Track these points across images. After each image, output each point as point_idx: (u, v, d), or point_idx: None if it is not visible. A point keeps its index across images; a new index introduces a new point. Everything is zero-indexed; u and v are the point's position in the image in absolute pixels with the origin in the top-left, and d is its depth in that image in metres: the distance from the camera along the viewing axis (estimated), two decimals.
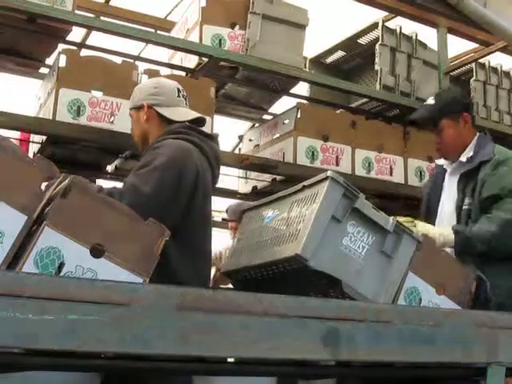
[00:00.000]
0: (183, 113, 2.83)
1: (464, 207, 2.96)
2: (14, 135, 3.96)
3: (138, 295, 1.35)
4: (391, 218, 2.28)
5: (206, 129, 2.88)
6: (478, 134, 3.16)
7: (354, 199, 2.18)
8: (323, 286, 2.15)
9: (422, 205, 3.30)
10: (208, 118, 3.75)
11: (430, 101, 3.23)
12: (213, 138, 2.86)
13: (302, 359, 1.60)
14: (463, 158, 3.07)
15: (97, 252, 1.79)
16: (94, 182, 2.70)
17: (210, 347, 1.40)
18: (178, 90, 2.89)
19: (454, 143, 3.10)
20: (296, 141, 4.09)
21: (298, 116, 4.17)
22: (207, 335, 1.38)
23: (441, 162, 3.28)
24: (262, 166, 4.07)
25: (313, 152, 4.11)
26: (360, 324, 1.60)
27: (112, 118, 3.50)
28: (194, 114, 2.87)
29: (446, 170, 3.23)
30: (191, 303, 1.38)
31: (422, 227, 2.85)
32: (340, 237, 2.15)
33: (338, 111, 4.83)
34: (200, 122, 2.85)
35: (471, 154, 3.06)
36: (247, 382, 2.49)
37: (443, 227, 2.94)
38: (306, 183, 2.27)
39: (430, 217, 3.16)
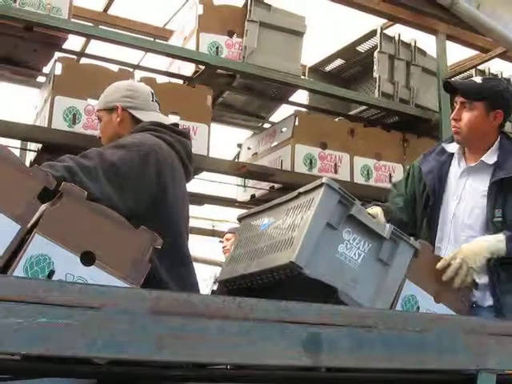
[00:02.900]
0: (156, 117, 2.75)
1: (495, 219, 2.73)
2: (13, 143, 3.95)
3: (110, 298, 1.32)
4: (388, 225, 2.25)
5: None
6: (499, 136, 2.91)
7: (350, 206, 2.15)
8: (319, 294, 2.12)
9: (414, 194, 3.01)
10: (205, 126, 3.75)
11: (478, 79, 3.01)
12: (183, 133, 2.75)
13: (281, 365, 1.57)
14: (489, 161, 2.84)
15: (87, 259, 1.77)
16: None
17: (185, 353, 1.37)
18: (152, 94, 2.82)
19: (472, 129, 2.86)
20: (294, 149, 4.07)
21: (296, 124, 4.15)
22: (182, 340, 1.35)
23: (450, 148, 3.00)
24: (259, 173, 4.05)
25: (311, 160, 4.09)
26: (342, 329, 1.57)
27: None
28: (168, 120, 2.81)
29: (451, 159, 2.97)
30: (166, 307, 1.35)
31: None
32: (335, 244, 2.13)
33: (336, 119, 4.81)
34: (174, 126, 2.77)
35: (495, 158, 2.84)
36: None
37: (479, 240, 2.64)
38: (301, 190, 2.25)
39: (431, 218, 2.93)
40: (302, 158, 4.07)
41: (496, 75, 4.99)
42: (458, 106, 2.90)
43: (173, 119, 2.84)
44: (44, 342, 1.23)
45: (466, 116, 2.86)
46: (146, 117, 2.71)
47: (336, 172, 4.17)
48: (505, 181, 2.76)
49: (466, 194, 2.86)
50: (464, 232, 2.81)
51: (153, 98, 2.81)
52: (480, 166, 2.87)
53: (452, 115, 2.93)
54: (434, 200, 2.93)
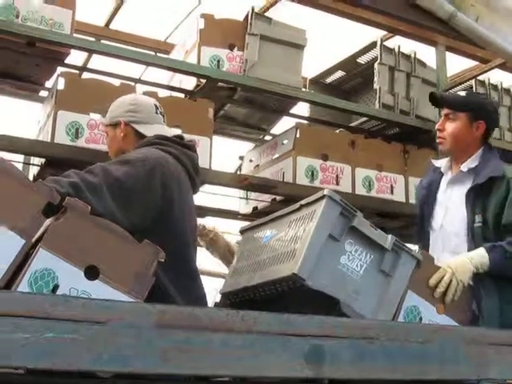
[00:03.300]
0: (160, 130, 2.77)
1: (475, 225, 2.84)
2: (16, 158, 3.97)
3: (116, 313, 1.34)
4: (389, 236, 2.26)
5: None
6: (483, 146, 3.05)
7: (352, 218, 2.17)
8: (321, 306, 2.13)
9: (417, 215, 3.18)
10: (206, 139, 3.77)
11: (462, 93, 3.25)
12: (189, 146, 2.78)
13: (284, 377, 1.58)
14: (464, 168, 2.98)
15: (91, 274, 1.78)
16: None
17: (190, 366, 1.38)
18: (156, 106, 2.84)
19: (456, 138, 2.99)
20: (295, 161, 4.08)
21: (297, 136, 4.16)
22: (187, 353, 1.37)
23: (438, 163, 3.17)
24: (261, 186, 4.06)
25: (312, 172, 4.10)
26: (344, 341, 1.58)
27: None
28: (172, 132, 2.82)
29: (442, 176, 3.12)
30: (170, 321, 1.37)
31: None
32: (338, 255, 2.14)
33: (337, 131, 4.83)
34: (179, 139, 2.78)
35: (475, 165, 2.96)
36: None
37: (463, 255, 2.71)
38: (303, 202, 2.26)
39: (424, 231, 3.09)
40: (303, 170, 4.08)
41: (496, 86, 5.01)
42: (442, 118, 3.05)
43: (176, 132, 2.85)
44: (51, 357, 1.25)
45: (450, 126, 3.01)
46: (150, 131, 2.72)
47: (338, 184, 4.18)
48: (483, 187, 2.86)
49: (451, 204, 3.00)
50: (452, 241, 2.92)
51: (157, 110, 2.83)
52: (461, 175, 3.00)
53: (436, 126, 3.09)
54: (425, 213, 3.06)
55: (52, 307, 1.28)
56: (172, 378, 1.56)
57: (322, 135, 4.41)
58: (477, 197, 2.87)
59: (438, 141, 3.08)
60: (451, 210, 2.99)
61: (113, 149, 2.80)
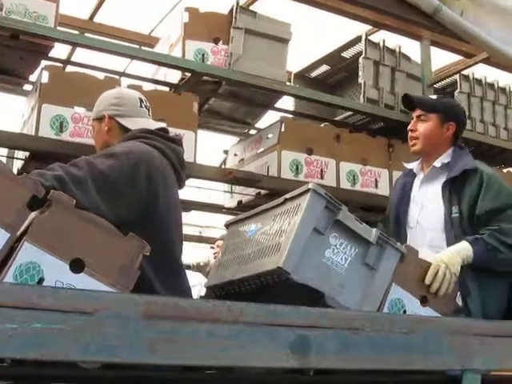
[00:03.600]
0: (145, 123, 2.76)
1: (453, 216, 2.92)
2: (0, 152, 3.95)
3: (103, 303, 1.34)
4: (374, 229, 2.27)
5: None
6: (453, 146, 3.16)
7: (337, 211, 2.18)
8: (306, 299, 2.14)
9: (389, 215, 3.27)
10: (191, 133, 3.76)
11: (433, 96, 3.42)
12: (175, 140, 2.78)
13: (269, 367, 1.60)
14: (437, 164, 3.09)
15: (76, 267, 1.78)
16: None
17: (176, 356, 1.39)
18: (141, 100, 2.83)
19: (427, 138, 3.12)
20: (280, 155, 4.08)
21: (282, 130, 4.16)
22: (174, 344, 1.37)
23: (410, 165, 3.27)
24: (246, 180, 4.06)
25: (297, 165, 4.11)
26: (330, 331, 1.60)
27: None
28: (156, 125, 2.82)
29: (414, 177, 3.22)
30: (157, 311, 1.37)
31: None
32: (322, 249, 2.15)
33: (322, 125, 4.83)
34: (164, 132, 2.77)
35: (447, 161, 3.08)
36: None
37: (450, 249, 2.74)
38: (287, 196, 2.27)
39: (400, 229, 3.14)
40: (288, 164, 4.09)
41: (480, 80, 5.04)
42: (414, 120, 3.19)
43: (160, 126, 2.85)
44: (39, 347, 1.25)
45: (422, 127, 3.15)
46: (134, 124, 2.72)
47: (322, 177, 4.19)
48: (457, 180, 2.96)
49: (426, 201, 3.10)
50: (427, 236, 3.02)
51: (141, 103, 2.82)
52: (434, 171, 3.12)
53: (409, 127, 3.21)
54: (401, 212, 3.17)
55: (39, 298, 1.28)
56: (159, 368, 1.57)
57: (307, 129, 4.41)
58: (452, 189, 2.97)
59: (410, 142, 3.20)
60: (426, 206, 3.09)
61: (98, 143, 2.80)
